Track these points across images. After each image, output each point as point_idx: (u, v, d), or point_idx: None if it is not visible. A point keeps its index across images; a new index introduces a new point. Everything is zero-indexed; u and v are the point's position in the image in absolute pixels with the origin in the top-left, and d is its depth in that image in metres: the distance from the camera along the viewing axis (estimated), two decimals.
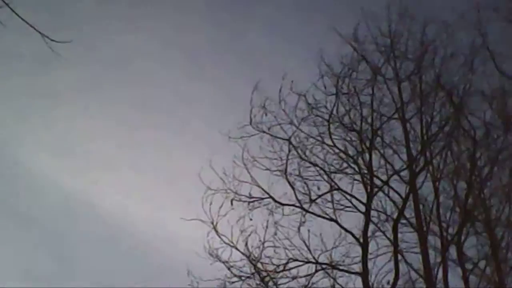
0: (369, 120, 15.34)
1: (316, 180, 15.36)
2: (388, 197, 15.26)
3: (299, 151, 15.43)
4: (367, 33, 15.87)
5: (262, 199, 15.34)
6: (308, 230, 15.06)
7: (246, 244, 15.15)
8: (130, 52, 22.51)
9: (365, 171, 15.23)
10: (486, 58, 16.97)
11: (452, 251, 15.56)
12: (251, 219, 15.27)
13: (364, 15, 15.89)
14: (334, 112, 15.40)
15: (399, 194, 15.27)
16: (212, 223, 15.29)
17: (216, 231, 15.36)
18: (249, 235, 15.23)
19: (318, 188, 15.34)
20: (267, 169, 15.43)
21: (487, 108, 16.56)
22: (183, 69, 22.66)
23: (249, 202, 15.37)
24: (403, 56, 15.88)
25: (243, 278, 14.77)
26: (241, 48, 22.05)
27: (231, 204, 15.39)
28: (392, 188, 15.37)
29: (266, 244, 15.06)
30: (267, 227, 15.19)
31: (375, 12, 15.87)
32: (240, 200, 15.38)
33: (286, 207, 15.26)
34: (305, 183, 15.28)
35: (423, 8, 15.99)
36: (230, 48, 22.30)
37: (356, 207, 15.09)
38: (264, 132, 15.56)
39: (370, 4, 15.99)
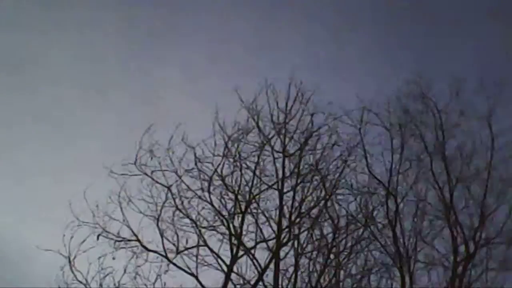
0: (249, 184, 15.90)
1: (186, 231, 15.53)
2: (252, 262, 15.63)
3: (177, 201, 15.59)
4: (265, 103, 16.65)
5: (130, 240, 15.25)
6: (164, 283, 15.10)
7: (101, 285, 14.82)
8: (25, 58, 21.63)
9: (234, 234, 15.61)
10: (360, 156, 18.40)
11: None
12: (114, 259, 15.02)
13: (266, 86, 16.71)
14: (218, 170, 15.84)
15: (259, 264, 15.70)
16: (69, 257, 14.84)
17: (71, 267, 14.92)
18: (106, 275, 14.92)
19: (187, 241, 15.53)
20: (140, 212, 15.42)
21: (352, 201, 17.79)
22: (85, 86, 21.88)
23: (115, 241, 15.16)
24: (291, 134, 16.73)
25: None
26: (145, 84, 21.91)
27: (97, 239, 15.07)
28: (255, 258, 15.79)
29: None
30: (125, 271, 15.02)
31: (276, 87, 16.71)
32: (107, 237, 15.13)
33: (151, 253, 15.25)
34: (176, 233, 15.39)
35: (316, 96, 17.07)
36: (134, 80, 22.10)
37: (220, 266, 15.37)
38: (146, 174, 15.62)
39: (274, 77, 16.80)
